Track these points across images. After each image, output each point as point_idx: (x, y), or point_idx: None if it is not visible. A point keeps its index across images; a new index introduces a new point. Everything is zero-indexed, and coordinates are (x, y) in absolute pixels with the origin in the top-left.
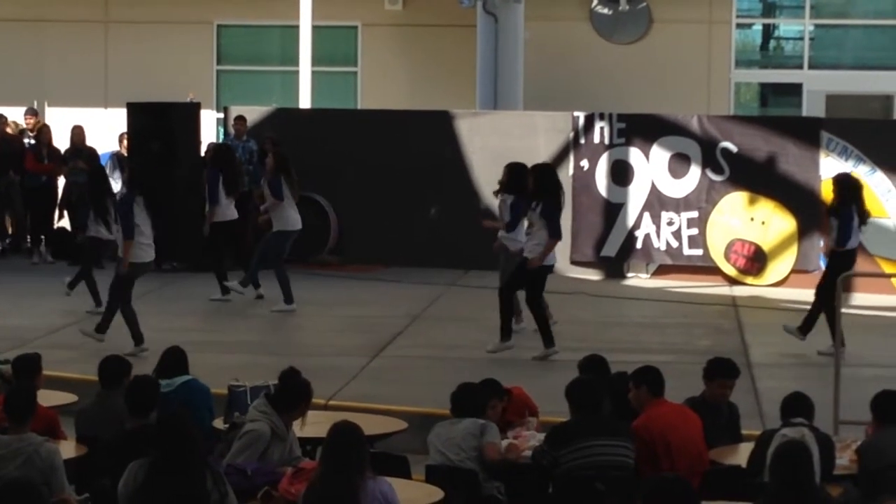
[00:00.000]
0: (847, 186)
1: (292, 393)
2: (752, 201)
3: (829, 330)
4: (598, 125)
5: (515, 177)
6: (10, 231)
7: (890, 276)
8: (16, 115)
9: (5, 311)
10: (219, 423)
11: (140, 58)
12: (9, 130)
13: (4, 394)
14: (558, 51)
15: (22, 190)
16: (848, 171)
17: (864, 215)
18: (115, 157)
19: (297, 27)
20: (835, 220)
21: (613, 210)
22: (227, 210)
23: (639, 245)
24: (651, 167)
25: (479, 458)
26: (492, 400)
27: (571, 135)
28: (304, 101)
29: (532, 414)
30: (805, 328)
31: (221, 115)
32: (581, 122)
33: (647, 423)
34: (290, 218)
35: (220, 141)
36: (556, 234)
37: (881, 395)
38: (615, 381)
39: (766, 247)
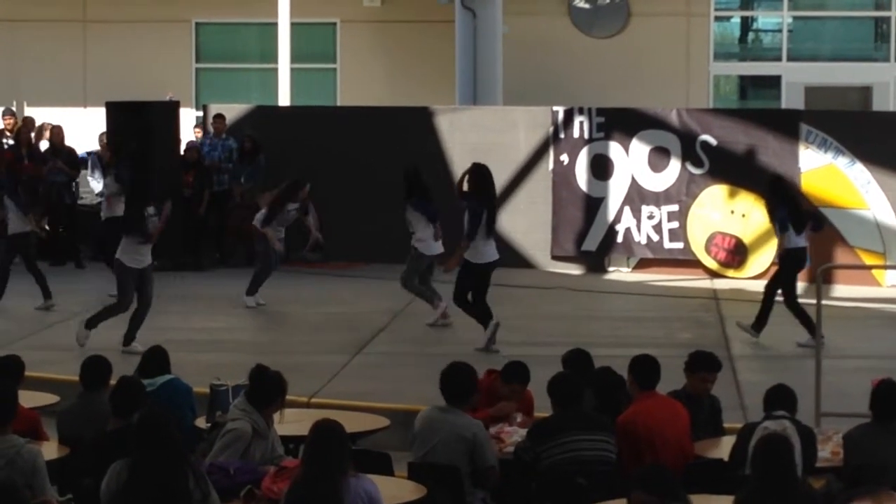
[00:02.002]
0: (776, 190)
1: (265, 388)
2: (732, 194)
3: (793, 324)
4: (577, 119)
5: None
6: None
7: (869, 267)
8: None
9: None
10: (201, 423)
11: (119, 57)
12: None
13: None
14: (537, 45)
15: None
16: (779, 173)
17: (798, 217)
18: (95, 156)
19: (275, 24)
20: (774, 223)
21: (594, 204)
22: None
23: (619, 239)
24: (631, 161)
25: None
26: (514, 383)
27: (551, 129)
28: (284, 99)
29: (526, 415)
30: (758, 325)
31: (200, 114)
32: (560, 116)
33: (634, 417)
34: None
35: (200, 138)
36: (469, 235)
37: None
38: (599, 376)
39: (746, 239)
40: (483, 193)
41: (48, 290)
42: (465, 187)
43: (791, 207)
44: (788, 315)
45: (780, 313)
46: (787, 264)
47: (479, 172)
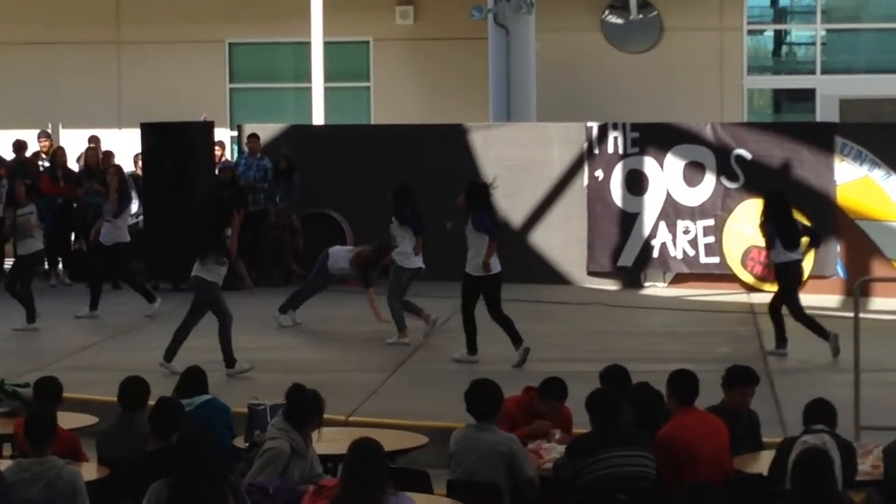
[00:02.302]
0: (771, 205)
1: (303, 407)
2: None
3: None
4: (611, 135)
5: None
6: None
7: None
8: (30, 137)
9: (25, 333)
10: (239, 442)
11: (153, 78)
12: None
13: (24, 417)
14: (570, 61)
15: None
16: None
17: (788, 233)
18: (130, 177)
19: (308, 44)
20: (766, 236)
21: (629, 220)
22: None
23: (655, 254)
24: (666, 176)
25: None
26: (551, 399)
27: (585, 145)
28: (318, 118)
29: (565, 431)
30: (781, 343)
31: (235, 134)
32: (595, 132)
33: (673, 432)
34: None
35: (235, 159)
36: (495, 236)
37: None
38: (637, 392)
39: None
40: (488, 206)
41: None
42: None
43: (781, 223)
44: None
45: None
46: (782, 279)
47: (478, 188)
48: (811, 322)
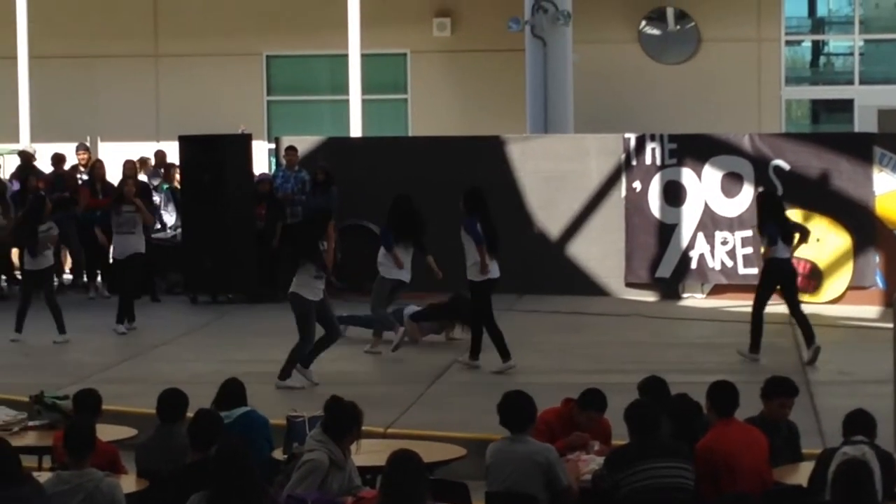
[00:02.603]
0: (764, 205)
1: (341, 419)
2: (806, 219)
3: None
4: (649, 146)
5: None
6: (66, 267)
7: None
8: (69, 151)
9: (63, 346)
10: (278, 454)
11: (191, 90)
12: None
13: (64, 429)
14: (608, 73)
15: (76, 225)
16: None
17: (787, 231)
18: (168, 190)
19: (346, 56)
20: (763, 237)
21: (667, 231)
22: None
23: (693, 265)
24: (704, 187)
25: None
26: (590, 411)
27: (623, 156)
28: (355, 130)
29: (604, 443)
30: (809, 339)
31: (273, 146)
32: (632, 143)
33: (712, 443)
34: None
35: (273, 171)
36: (480, 241)
37: None
38: (676, 403)
39: (821, 264)
40: (483, 213)
41: (22, 326)
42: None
43: (780, 221)
44: (867, 339)
45: (859, 337)
46: (771, 274)
47: (475, 193)
48: (759, 326)
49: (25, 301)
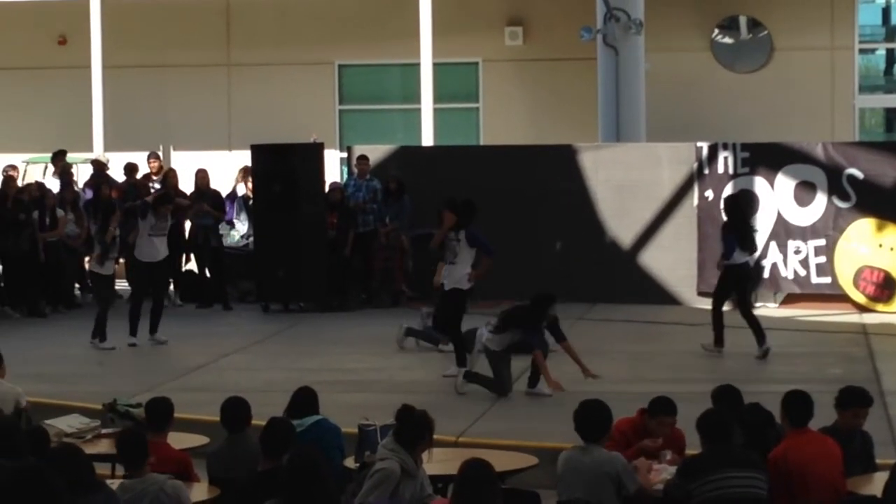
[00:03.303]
0: (732, 209)
1: (413, 428)
2: (879, 227)
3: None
4: (721, 155)
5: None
6: None
7: None
8: (141, 160)
9: (136, 354)
10: (350, 463)
11: (262, 99)
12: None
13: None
14: (680, 81)
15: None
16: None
17: (747, 237)
18: (241, 199)
19: (417, 65)
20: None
21: None
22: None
23: (766, 274)
24: (776, 196)
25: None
26: (660, 416)
27: (695, 165)
28: (427, 139)
29: (677, 452)
30: (720, 341)
31: (345, 155)
32: (705, 152)
33: (785, 453)
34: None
35: (344, 180)
36: (492, 253)
37: None
38: (748, 412)
39: (895, 273)
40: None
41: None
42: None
43: (743, 229)
44: None
45: None
46: (728, 279)
47: (470, 204)
48: (720, 322)
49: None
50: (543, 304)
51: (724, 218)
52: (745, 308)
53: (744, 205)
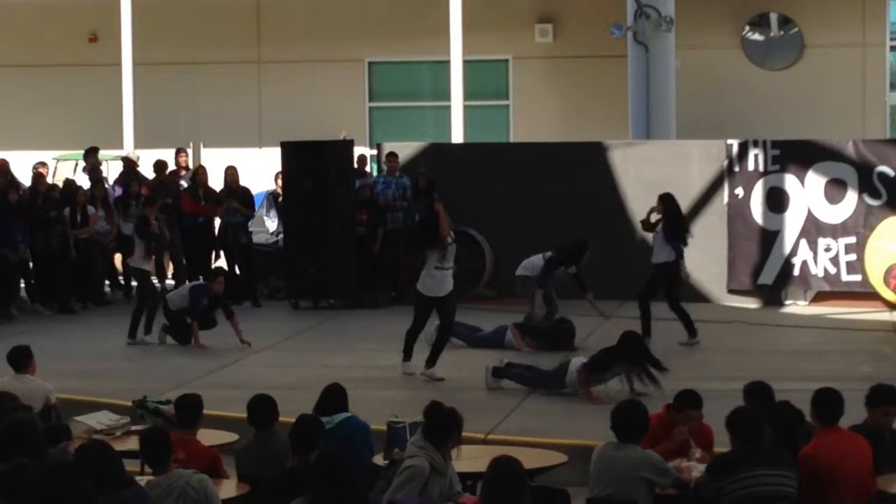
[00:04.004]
0: (669, 208)
1: (441, 425)
2: None
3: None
4: (752, 152)
5: None
6: (168, 271)
7: None
8: (171, 157)
9: (165, 350)
10: (379, 460)
11: (293, 97)
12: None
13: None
14: (710, 78)
15: (179, 231)
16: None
17: (682, 233)
18: (270, 196)
19: (448, 62)
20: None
21: (769, 237)
22: None
23: (796, 272)
24: (807, 193)
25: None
26: (685, 410)
27: (725, 163)
28: (457, 136)
29: (706, 450)
30: (692, 331)
31: (374, 152)
32: (735, 149)
33: (815, 452)
34: None
35: (374, 176)
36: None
37: None
38: (778, 410)
39: None
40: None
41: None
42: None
43: (676, 226)
44: None
45: None
46: (669, 276)
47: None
48: (648, 314)
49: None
50: (634, 343)
51: (663, 216)
52: (675, 302)
53: (677, 203)
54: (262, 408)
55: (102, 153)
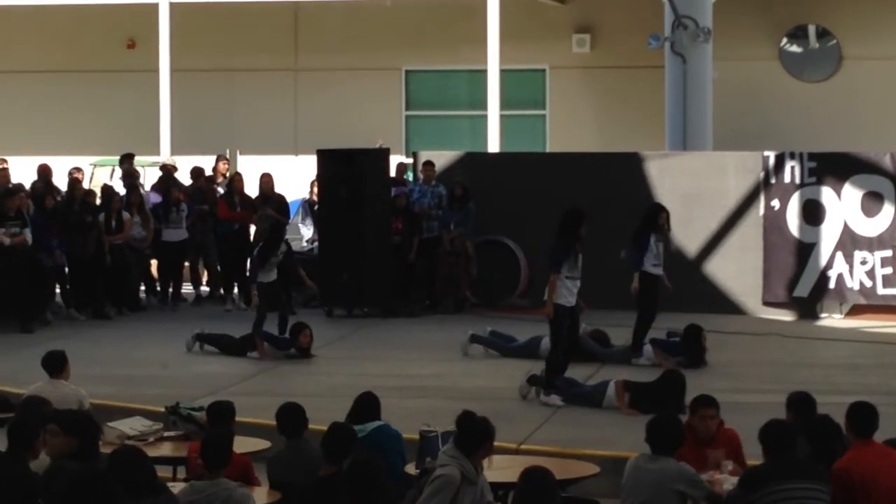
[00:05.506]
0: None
1: (473, 434)
2: None
3: None
4: (788, 164)
5: None
6: (203, 279)
7: None
8: (208, 164)
9: (199, 357)
10: (410, 469)
11: (329, 105)
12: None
13: (199, 440)
14: (748, 90)
15: (215, 238)
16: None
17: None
18: (306, 203)
19: (484, 71)
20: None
21: (805, 250)
22: None
23: (832, 285)
24: (843, 206)
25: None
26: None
27: (762, 175)
28: (493, 145)
29: (737, 461)
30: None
31: (410, 160)
32: (771, 161)
33: (849, 465)
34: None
35: (411, 185)
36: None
37: None
38: (817, 424)
39: None
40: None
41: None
42: None
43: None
44: None
45: None
46: (651, 290)
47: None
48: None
49: None
50: (675, 382)
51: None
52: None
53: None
54: (291, 416)
55: (139, 159)
